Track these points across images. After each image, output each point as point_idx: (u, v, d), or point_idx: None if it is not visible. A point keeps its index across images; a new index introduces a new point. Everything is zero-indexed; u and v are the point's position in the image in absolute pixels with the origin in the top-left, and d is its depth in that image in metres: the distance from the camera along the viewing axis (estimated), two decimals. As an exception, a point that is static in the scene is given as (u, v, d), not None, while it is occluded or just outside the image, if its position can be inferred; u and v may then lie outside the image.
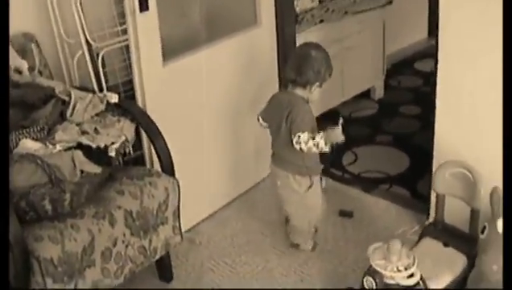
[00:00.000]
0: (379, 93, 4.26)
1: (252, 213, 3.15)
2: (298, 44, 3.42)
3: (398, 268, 2.19)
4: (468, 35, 2.50)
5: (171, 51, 2.73)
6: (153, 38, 2.59)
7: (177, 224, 2.55)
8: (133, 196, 2.38)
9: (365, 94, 4.21)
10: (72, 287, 2.20)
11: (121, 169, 2.50)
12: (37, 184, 2.13)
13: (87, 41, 2.73)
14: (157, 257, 2.52)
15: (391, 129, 3.89)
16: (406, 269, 2.18)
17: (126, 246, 2.36)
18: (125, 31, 2.80)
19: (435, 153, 2.79)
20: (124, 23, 2.73)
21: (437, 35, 2.61)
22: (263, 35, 3.14)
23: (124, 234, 2.34)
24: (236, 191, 3.25)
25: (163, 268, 2.69)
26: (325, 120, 3.84)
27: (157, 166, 2.66)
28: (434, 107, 2.73)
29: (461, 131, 2.64)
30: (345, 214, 3.07)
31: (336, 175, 3.44)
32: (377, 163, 3.51)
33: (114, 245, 2.31)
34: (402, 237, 2.88)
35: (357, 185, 3.32)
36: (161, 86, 2.68)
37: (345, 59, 3.85)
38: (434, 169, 2.82)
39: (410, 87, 4.43)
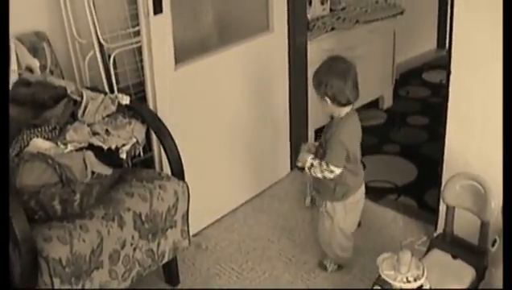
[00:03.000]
0: (387, 102, 4.26)
1: (259, 220, 3.13)
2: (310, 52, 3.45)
3: (407, 279, 2.17)
4: (481, 46, 2.50)
5: (182, 54, 2.72)
6: (166, 41, 2.59)
7: (185, 228, 2.54)
8: (142, 198, 2.36)
9: (374, 104, 4.20)
10: (80, 288, 2.19)
11: (130, 171, 2.49)
12: (47, 184, 2.12)
13: (99, 42, 2.73)
14: (165, 261, 2.51)
15: (399, 139, 3.88)
16: (415, 280, 2.16)
17: (134, 249, 2.35)
18: (137, 33, 2.82)
19: (445, 164, 2.78)
20: (136, 25, 2.74)
21: (450, 46, 2.60)
22: (275, 41, 3.14)
23: (133, 237, 2.33)
24: (243, 196, 3.24)
25: (170, 272, 2.67)
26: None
27: (166, 169, 2.67)
28: (445, 118, 2.72)
29: (472, 143, 2.63)
30: (352, 223, 3.05)
31: (344, 183, 3.42)
32: (384, 173, 3.50)
33: (123, 247, 2.30)
34: (410, 247, 2.88)
35: (365, 195, 3.29)
36: (172, 89, 2.68)
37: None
38: (443, 181, 2.82)
39: (419, 97, 4.42)
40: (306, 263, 2.82)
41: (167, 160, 2.68)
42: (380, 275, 2.27)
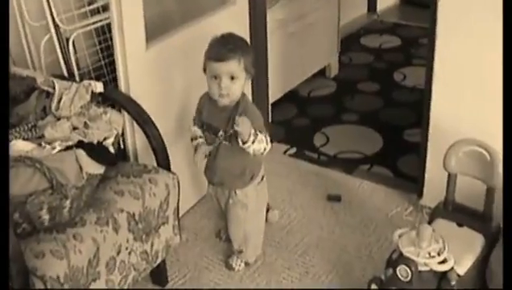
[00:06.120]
0: (334, 70, 4.16)
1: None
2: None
3: (430, 254, 2.09)
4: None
5: (150, 33, 2.45)
6: (137, 18, 2.31)
7: (177, 223, 2.32)
8: (134, 196, 2.12)
9: (320, 72, 4.08)
10: (78, 304, 1.94)
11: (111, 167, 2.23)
12: (35, 192, 1.83)
13: (55, 24, 2.41)
14: (158, 261, 2.28)
15: (354, 107, 3.80)
16: (439, 254, 2.09)
17: (129, 253, 2.12)
18: (94, 12, 2.55)
19: (431, 132, 2.70)
20: (93, 2, 2.46)
21: (435, 8, 2.52)
22: (238, 13, 2.92)
23: (127, 240, 2.09)
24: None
25: (158, 272, 2.43)
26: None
27: (141, 160, 2.44)
28: (429, 83, 2.65)
29: (463, 109, 2.57)
30: (333, 198, 2.94)
31: (312, 157, 3.30)
32: (350, 143, 3.40)
33: (118, 253, 2.06)
34: (398, 218, 2.82)
35: (337, 167, 3.19)
36: (144, 71, 2.41)
37: (306, 36, 3.72)
38: (429, 148, 2.76)
39: (363, 63, 4.35)
40: (296, 245, 2.68)
41: (138, 150, 2.47)
42: (393, 252, 2.19)
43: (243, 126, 2.14)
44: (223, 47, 2.20)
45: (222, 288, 2.48)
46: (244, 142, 2.16)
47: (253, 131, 2.17)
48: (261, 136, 2.20)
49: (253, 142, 2.17)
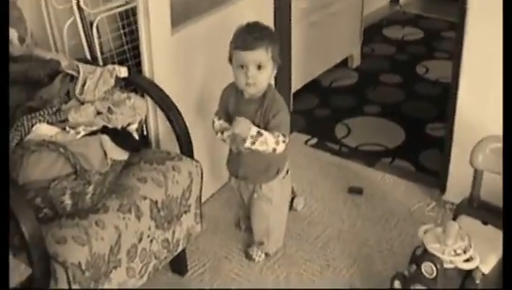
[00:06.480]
0: (356, 61, 4.10)
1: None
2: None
3: (456, 252, 2.05)
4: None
5: (174, 18, 2.41)
6: (163, 2, 2.28)
7: (199, 211, 2.29)
8: (157, 183, 2.10)
9: (342, 63, 4.04)
10: (98, 291, 1.92)
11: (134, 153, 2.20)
12: (58, 177, 1.81)
13: (79, 6, 2.38)
14: (179, 250, 2.26)
15: (376, 98, 3.75)
16: (464, 252, 2.05)
17: (151, 241, 2.10)
18: (119, -5, 2.50)
19: (456, 126, 2.65)
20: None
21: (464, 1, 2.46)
22: (263, 1, 2.88)
23: (149, 228, 2.07)
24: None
25: (178, 260, 2.41)
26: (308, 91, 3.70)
27: (163, 146, 2.41)
28: (455, 75, 2.60)
29: (489, 103, 2.51)
30: (355, 191, 2.90)
31: (334, 149, 3.26)
32: (371, 135, 3.36)
33: (140, 240, 2.04)
34: (420, 213, 2.78)
35: (358, 159, 3.15)
36: (169, 57, 2.38)
37: (329, 26, 3.67)
38: (454, 143, 2.71)
39: (385, 55, 4.29)
40: (317, 237, 2.65)
41: (160, 136, 2.44)
42: (417, 248, 2.16)
43: (239, 126, 2.13)
44: (250, 35, 2.16)
45: (237, 288, 2.44)
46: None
47: (255, 131, 2.12)
48: (265, 137, 2.14)
49: (252, 143, 2.13)
